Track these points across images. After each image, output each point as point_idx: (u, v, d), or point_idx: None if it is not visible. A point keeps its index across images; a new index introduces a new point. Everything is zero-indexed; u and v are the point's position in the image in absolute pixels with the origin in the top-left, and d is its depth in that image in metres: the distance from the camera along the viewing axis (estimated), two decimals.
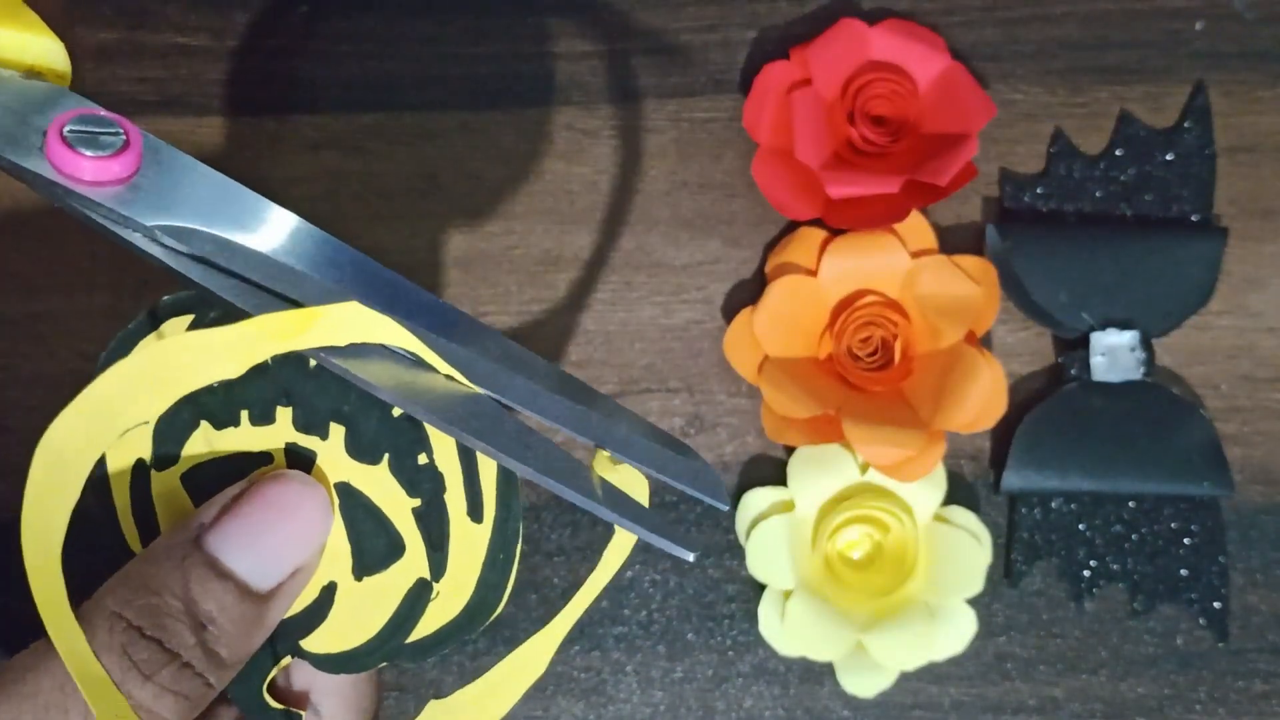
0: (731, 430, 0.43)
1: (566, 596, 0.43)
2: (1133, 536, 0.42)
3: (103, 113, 0.24)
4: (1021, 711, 0.42)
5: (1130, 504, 0.42)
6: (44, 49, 0.27)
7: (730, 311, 0.43)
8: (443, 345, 0.22)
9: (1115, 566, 0.42)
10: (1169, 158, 0.44)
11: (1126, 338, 0.42)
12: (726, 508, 0.24)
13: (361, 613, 0.24)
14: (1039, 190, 0.44)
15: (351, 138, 0.44)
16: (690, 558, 0.22)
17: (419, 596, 0.24)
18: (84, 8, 0.44)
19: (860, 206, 0.41)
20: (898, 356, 0.41)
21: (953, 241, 0.43)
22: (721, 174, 0.44)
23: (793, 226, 0.43)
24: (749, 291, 0.43)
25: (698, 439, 0.43)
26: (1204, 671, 0.43)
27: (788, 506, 0.42)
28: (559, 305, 0.43)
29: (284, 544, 0.23)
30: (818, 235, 0.42)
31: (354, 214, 0.43)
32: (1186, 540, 0.42)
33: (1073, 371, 0.42)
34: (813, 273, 0.42)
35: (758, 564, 0.41)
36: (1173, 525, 0.42)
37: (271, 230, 0.23)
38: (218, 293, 0.22)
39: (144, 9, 0.44)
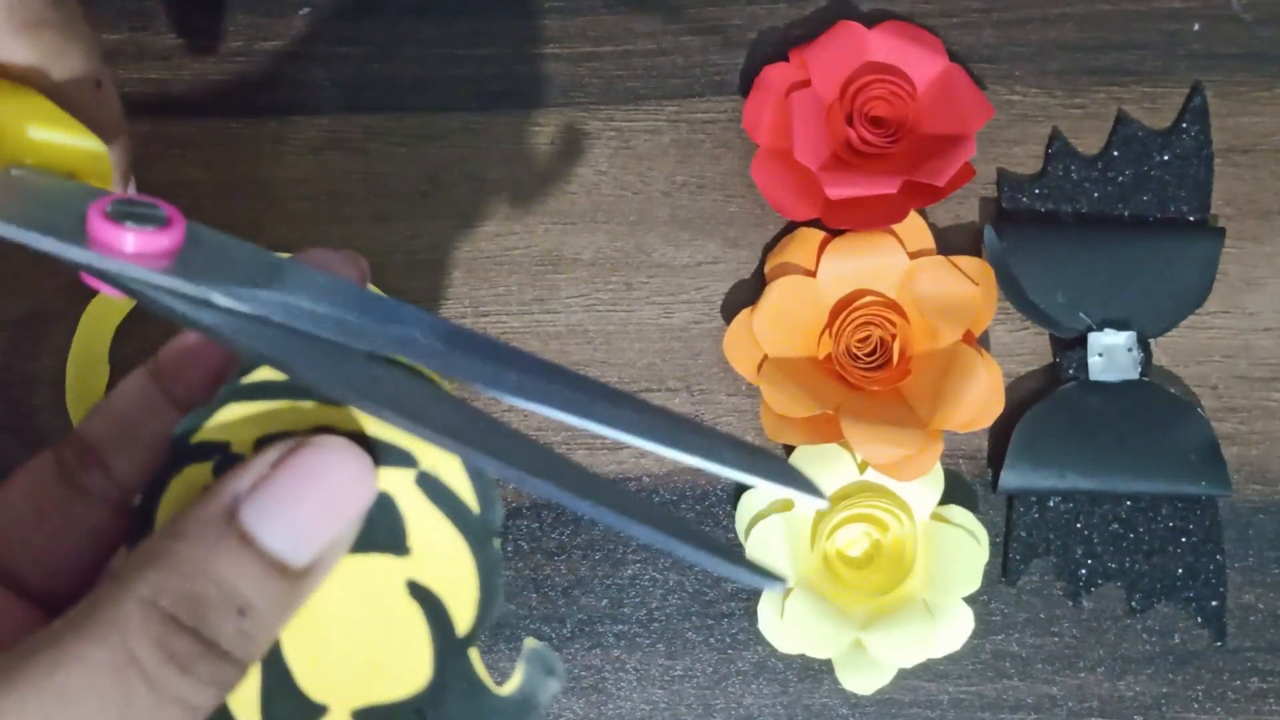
0: (731, 430, 0.43)
1: (568, 595, 0.43)
2: (1130, 535, 0.43)
3: (144, 196, 0.24)
4: (1019, 709, 0.43)
5: (1127, 503, 0.43)
6: (85, 153, 0.27)
7: (730, 311, 0.44)
8: (510, 381, 0.22)
9: (1112, 565, 0.43)
10: (1166, 158, 0.44)
11: (1123, 338, 0.42)
12: (825, 498, 0.22)
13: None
14: (1036, 191, 0.44)
15: (353, 139, 0.44)
16: (782, 587, 0.21)
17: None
18: (87, 9, 0.44)
19: (859, 207, 0.42)
20: (896, 356, 0.41)
21: (951, 242, 0.44)
22: (721, 175, 0.44)
23: (792, 227, 0.43)
24: (748, 292, 0.44)
25: None
26: (1201, 670, 0.43)
27: (787, 505, 0.42)
28: (559, 305, 0.44)
29: (324, 517, 0.22)
30: (816, 236, 0.42)
31: (356, 215, 0.44)
32: (1183, 539, 0.43)
33: (1070, 371, 0.43)
34: (811, 273, 0.42)
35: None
36: (1170, 524, 0.43)
37: (319, 290, 0.23)
38: (273, 356, 0.22)
39: (147, 10, 0.44)
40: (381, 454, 0.23)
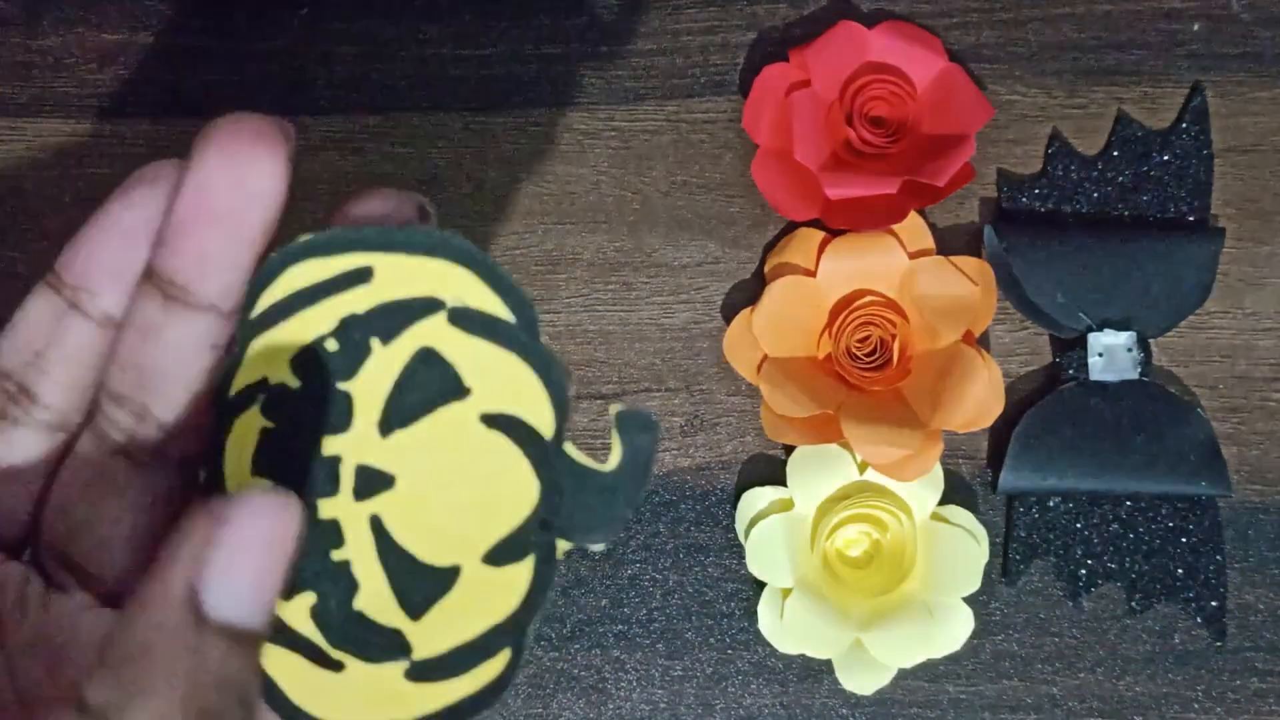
0: (731, 430, 0.43)
1: (568, 595, 0.43)
2: (1130, 535, 0.43)
3: None
4: (1019, 709, 0.43)
5: (1127, 503, 0.43)
6: None
7: (730, 312, 0.44)
8: None
9: (1112, 565, 0.43)
10: (1166, 159, 0.44)
11: (1123, 338, 0.42)
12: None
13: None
14: (1036, 191, 0.44)
15: (352, 139, 0.44)
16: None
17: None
18: (88, 9, 0.44)
19: (859, 207, 0.42)
20: (896, 356, 0.41)
21: (950, 242, 0.44)
22: (721, 175, 0.44)
23: (792, 227, 0.43)
24: (748, 292, 0.44)
25: (697, 438, 0.43)
26: (1201, 670, 0.43)
27: (786, 505, 0.42)
28: (559, 305, 0.44)
29: (273, 570, 0.21)
30: (816, 236, 0.42)
31: None
32: (1183, 539, 0.43)
33: (1070, 371, 0.43)
34: (811, 273, 0.42)
35: (757, 562, 0.42)
36: (1170, 524, 0.43)
37: None
38: None
39: (147, 11, 0.44)
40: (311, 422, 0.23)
